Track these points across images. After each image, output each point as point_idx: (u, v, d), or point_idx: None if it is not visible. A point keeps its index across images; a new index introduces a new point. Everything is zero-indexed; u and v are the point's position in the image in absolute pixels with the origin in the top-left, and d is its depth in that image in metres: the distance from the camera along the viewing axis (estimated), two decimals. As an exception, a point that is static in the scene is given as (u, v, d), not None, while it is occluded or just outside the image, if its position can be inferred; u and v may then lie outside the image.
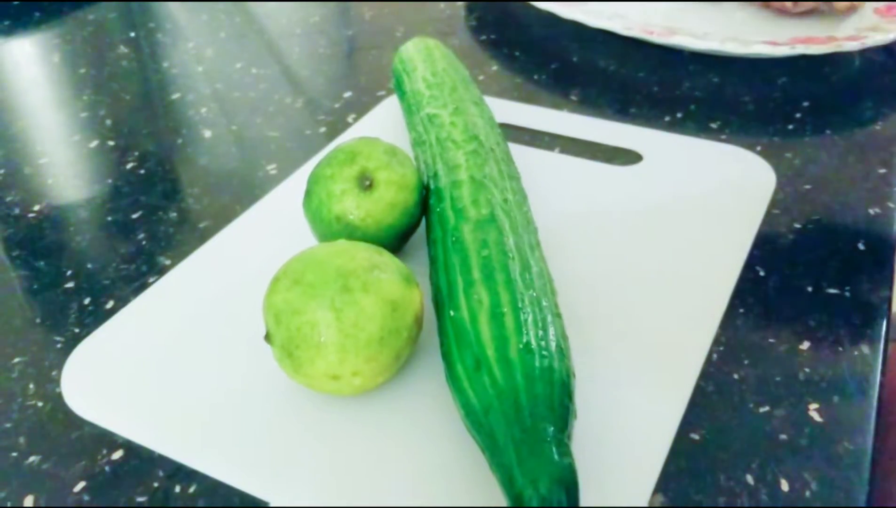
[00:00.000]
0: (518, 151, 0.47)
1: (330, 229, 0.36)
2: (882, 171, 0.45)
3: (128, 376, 0.34)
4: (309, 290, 0.29)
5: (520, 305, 0.29)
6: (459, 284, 0.31)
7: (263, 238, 0.41)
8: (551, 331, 0.29)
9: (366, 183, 0.35)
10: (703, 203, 0.42)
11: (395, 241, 0.37)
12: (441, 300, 0.31)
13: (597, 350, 0.34)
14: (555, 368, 0.28)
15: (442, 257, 0.33)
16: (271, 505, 0.29)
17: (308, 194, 0.37)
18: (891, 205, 0.42)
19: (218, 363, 0.34)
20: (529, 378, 0.27)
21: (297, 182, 0.45)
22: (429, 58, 0.47)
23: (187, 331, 0.36)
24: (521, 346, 0.28)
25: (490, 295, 0.29)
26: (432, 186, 0.37)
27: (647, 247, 0.39)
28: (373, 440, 0.30)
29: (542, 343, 0.28)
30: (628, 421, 0.31)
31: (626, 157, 0.46)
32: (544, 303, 0.30)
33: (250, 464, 0.30)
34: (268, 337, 0.31)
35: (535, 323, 0.29)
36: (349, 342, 0.29)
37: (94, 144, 0.52)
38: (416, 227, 0.38)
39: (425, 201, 0.37)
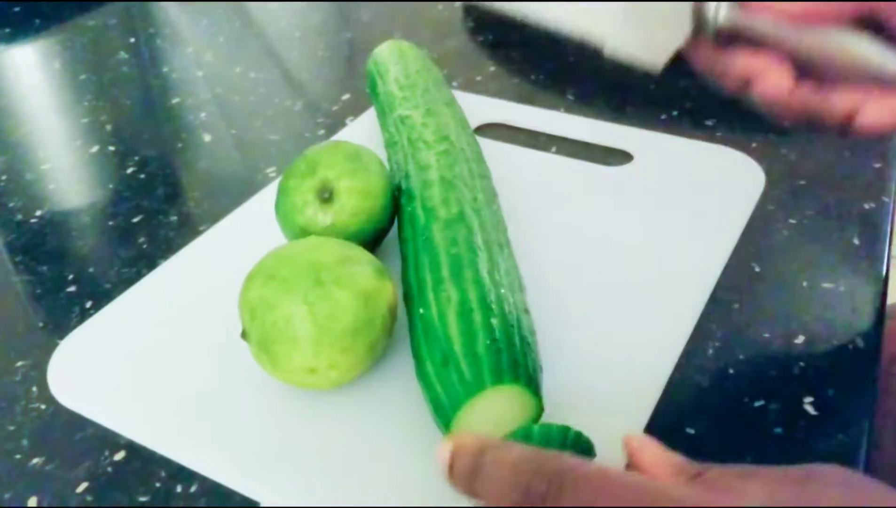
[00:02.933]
0: (512, 152, 0.47)
1: (298, 238, 0.36)
2: (877, 165, 0.45)
3: (109, 375, 0.34)
4: (282, 285, 0.30)
5: (488, 302, 0.30)
6: (429, 282, 0.31)
7: (254, 235, 0.41)
8: (518, 327, 0.29)
9: (325, 195, 0.35)
10: (688, 202, 0.42)
11: (365, 245, 0.37)
12: (411, 298, 0.32)
13: (571, 345, 0.34)
14: (521, 363, 0.28)
15: (412, 255, 0.33)
16: (262, 506, 0.29)
17: (277, 203, 0.37)
18: (885, 199, 0.42)
19: (193, 359, 0.35)
20: (496, 373, 0.27)
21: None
22: (402, 60, 0.48)
23: (168, 333, 0.36)
24: (488, 342, 0.28)
25: (458, 292, 0.30)
26: (404, 187, 0.38)
27: (628, 245, 0.40)
28: (356, 435, 0.31)
29: (510, 339, 0.29)
30: (597, 413, 0.31)
31: (618, 157, 0.47)
32: (512, 300, 0.31)
33: (236, 461, 0.30)
34: (244, 334, 0.31)
35: (503, 319, 0.29)
36: (324, 334, 0.29)
37: (95, 149, 0.52)
38: (387, 230, 0.38)
39: (397, 201, 0.38)
